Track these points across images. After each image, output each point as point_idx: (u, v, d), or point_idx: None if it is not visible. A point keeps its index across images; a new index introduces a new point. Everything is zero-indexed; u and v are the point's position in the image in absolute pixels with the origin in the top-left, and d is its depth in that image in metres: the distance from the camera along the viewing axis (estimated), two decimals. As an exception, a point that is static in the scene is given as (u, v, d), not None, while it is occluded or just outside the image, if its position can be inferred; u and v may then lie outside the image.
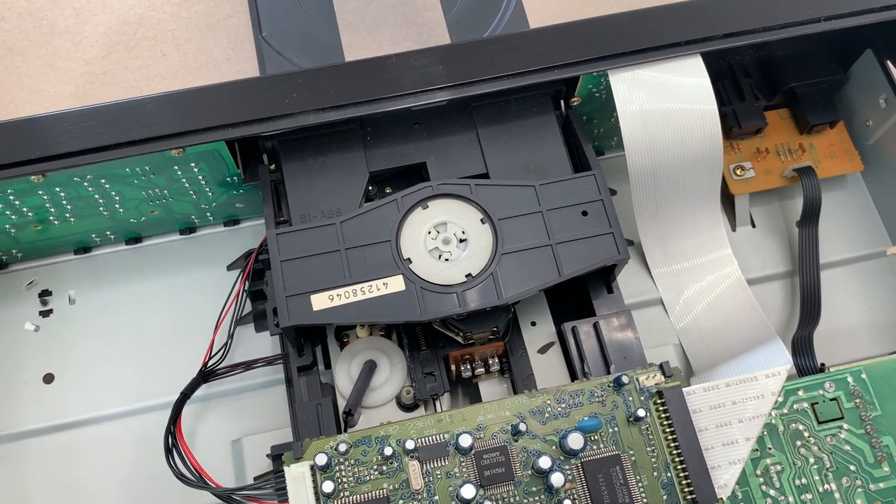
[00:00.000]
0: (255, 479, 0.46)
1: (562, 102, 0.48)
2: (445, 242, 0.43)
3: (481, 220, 0.43)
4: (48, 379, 0.50)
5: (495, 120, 0.47)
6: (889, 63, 0.51)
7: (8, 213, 0.46)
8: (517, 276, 0.42)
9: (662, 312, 0.52)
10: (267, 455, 0.45)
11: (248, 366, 0.47)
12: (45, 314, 0.51)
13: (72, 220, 0.48)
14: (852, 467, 0.42)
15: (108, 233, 0.51)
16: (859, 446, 0.42)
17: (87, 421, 0.49)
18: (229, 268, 0.52)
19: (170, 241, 0.53)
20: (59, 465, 0.48)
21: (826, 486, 0.41)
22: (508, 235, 0.43)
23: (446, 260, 0.43)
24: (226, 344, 0.47)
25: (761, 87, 0.54)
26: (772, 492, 0.41)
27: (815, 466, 0.42)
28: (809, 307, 0.49)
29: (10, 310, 0.51)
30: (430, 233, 0.43)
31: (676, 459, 0.38)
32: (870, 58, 0.52)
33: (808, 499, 0.41)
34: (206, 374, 0.46)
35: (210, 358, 0.47)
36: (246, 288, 0.49)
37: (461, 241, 0.43)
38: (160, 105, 0.43)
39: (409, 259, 0.42)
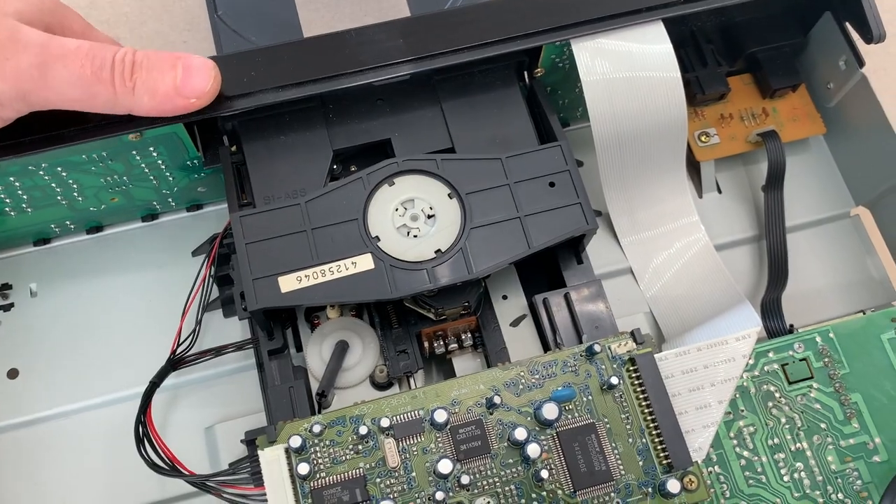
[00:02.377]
0: (230, 465, 0.46)
1: (525, 74, 0.48)
2: (413, 219, 0.43)
3: (448, 194, 0.43)
4: (12, 374, 0.48)
5: (459, 93, 0.46)
6: (848, 25, 0.51)
7: (-40, 205, 0.44)
8: (487, 250, 0.42)
9: (632, 281, 0.52)
10: (241, 441, 0.44)
11: (217, 352, 0.46)
12: (6, 308, 0.50)
13: (29, 210, 0.47)
14: (823, 425, 0.42)
15: (67, 222, 0.49)
16: (829, 404, 0.43)
17: (56, 416, 0.48)
18: (194, 254, 0.51)
19: (132, 229, 0.52)
20: (29, 461, 0.47)
21: (798, 444, 0.42)
22: (477, 209, 0.42)
23: (415, 237, 0.42)
24: (194, 331, 0.46)
25: (723, 52, 0.54)
26: (745, 453, 0.42)
27: (787, 426, 0.42)
28: (777, 270, 0.50)
29: (-31, 305, 0.50)
30: (397, 210, 0.43)
31: (651, 425, 0.39)
32: (829, 20, 0.52)
33: (780, 458, 0.42)
34: (176, 362, 0.45)
35: (178, 345, 0.46)
36: (212, 273, 0.48)
37: (429, 217, 0.43)
38: (114, 88, 0.41)
39: (377, 237, 0.42)
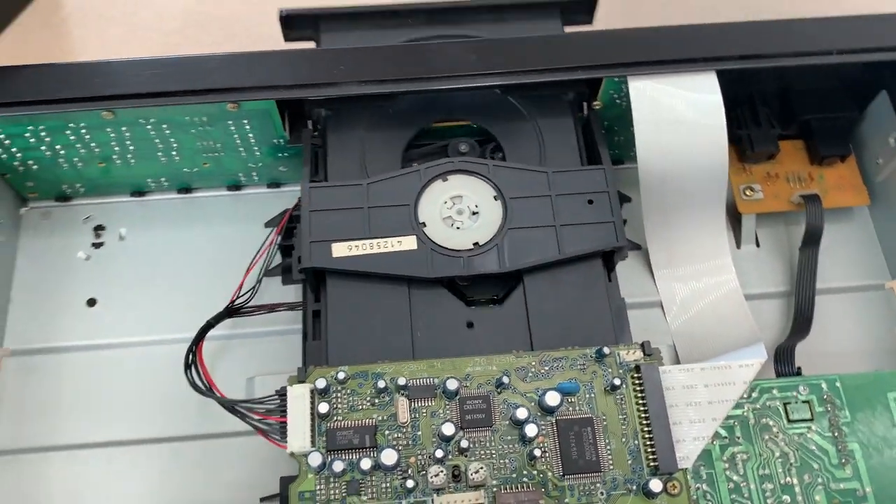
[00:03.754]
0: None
1: (584, 105, 0.52)
2: (459, 213, 0.47)
3: (494, 196, 0.47)
4: (91, 303, 0.55)
5: (521, 116, 0.51)
6: (902, 105, 0.54)
7: (78, 146, 0.51)
8: (520, 250, 0.46)
9: (661, 315, 0.55)
10: (276, 391, 0.49)
11: (270, 308, 0.51)
12: (97, 246, 0.56)
13: (132, 161, 0.53)
14: (815, 465, 0.44)
15: (162, 179, 0.56)
16: (825, 447, 0.45)
17: (122, 344, 0.53)
18: (267, 225, 0.57)
19: (217, 196, 0.58)
20: (88, 379, 0.52)
21: (788, 478, 0.44)
22: (517, 213, 0.47)
23: (457, 228, 0.47)
24: (253, 287, 0.52)
25: (778, 116, 0.57)
26: (735, 477, 0.44)
27: (780, 460, 0.44)
28: (800, 323, 0.52)
29: (66, 238, 0.56)
30: (446, 202, 0.47)
31: (645, 429, 0.41)
32: (884, 99, 0.55)
33: (769, 487, 0.44)
34: (232, 311, 0.51)
35: (238, 297, 0.51)
36: (278, 242, 0.53)
37: (473, 213, 0.47)
38: (222, 63, 0.48)
39: (423, 223, 0.46)
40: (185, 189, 0.58)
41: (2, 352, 0.53)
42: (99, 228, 0.57)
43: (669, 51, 0.49)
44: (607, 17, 0.56)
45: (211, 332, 0.51)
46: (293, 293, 0.55)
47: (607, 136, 0.55)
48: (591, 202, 0.47)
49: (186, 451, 0.50)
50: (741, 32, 0.49)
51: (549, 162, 0.49)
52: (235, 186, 0.58)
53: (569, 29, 0.53)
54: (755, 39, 0.49)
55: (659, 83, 0.49)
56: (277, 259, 0.55)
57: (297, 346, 0.53)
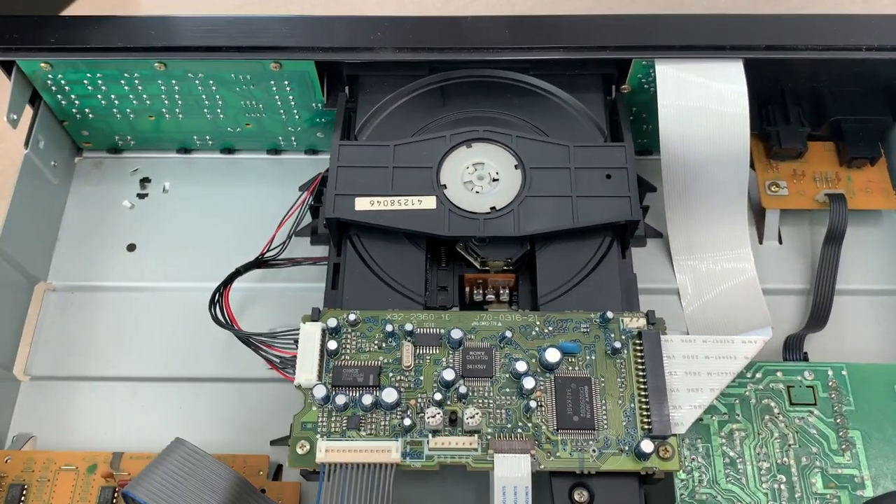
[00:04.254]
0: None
1: (613, 87, 0.54)
2: (479, 178, 0.49)
3: (515, 165, 0.49)
4: (131, 248, 0.58)
5: (550, 92, 0.53)
6: (935, 111, 0.54)
7: (131, 97, 0.55)
8: (536, 216, 0.47)
9: (677, 302, 0.55)
10: (294, 341, 0.51)
11: (296, 262, 0.54)
12: (142, 196, 0.60)
13: (181, 116, 0.57)
14: (814, 449, 0.44)
15: (207, 137, 0.59)
16: (826, 433, 0.45)
17: (155, 288, 0.56)
18: (301, 188, 0.59)
19: (257, 158, 0.61)
20: (122, 318, 0.55)
21: (785, 459, 0.44)
22: (536, 182, 0.48)
23: (477, 192, 0.48)
24: (283, 243, 0.54)
25: (808, 115, 0.57)
26: (731, 452, 0.44)
27: (778, 440, 0.44)
28: (816, 315, 0.52)
29: (113, 188, 0.60)
30: (468, 168, 0.49)
31: (641, 392, 0.42)
32: (918, 105, 0.55)
33: (764, 466, 0.44)
34: (262, 262, 0.53)
35: (268, 250, 0.54)
36: (309, 202, 0.56)
37: (494, 179, 0.49)
38: (268, 24, 0.51)
39: (444, 185, 0.48)
40: (228, 150, 0.61)
41: (44, 286, 0.56)
42: (145, 180, 0.60)
43: (697, 37, 0.50)
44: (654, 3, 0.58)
45: (239, 283, 0.53)
46: (321, 254, 0.57)
47: (637, 125, 0.57)
48: (609, 177, 0.49)
49: (207, 391, 0.53)
50: (770, 23, 0.50)
51: (575, 140, 0.51)
52: (275, 150, 0.61)
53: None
54: (783, 31, 0.50)
55: (685, 69, 0.50)
56: (308, 220, 0.57)
57: (319, 302, 0.55)
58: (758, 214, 0.58)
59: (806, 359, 0.48)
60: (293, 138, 0.59)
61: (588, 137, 0.52)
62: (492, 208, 0.48)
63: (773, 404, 0.45)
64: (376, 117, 0.52)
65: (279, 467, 0.50)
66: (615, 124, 0.53)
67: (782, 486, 0.43)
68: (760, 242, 0.58)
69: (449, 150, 0.49)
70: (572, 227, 0.47)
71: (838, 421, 0.45)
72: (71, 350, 0.54)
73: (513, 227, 0.47)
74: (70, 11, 0.71)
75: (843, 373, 0.46)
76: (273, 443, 0.50)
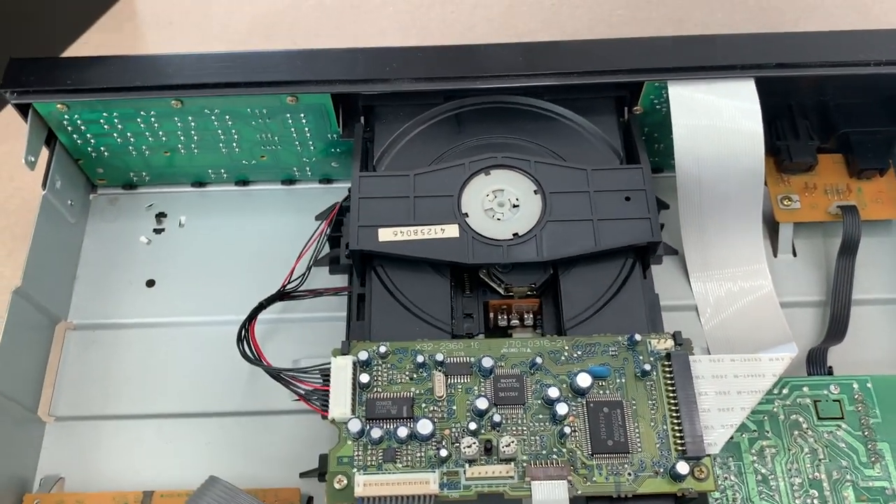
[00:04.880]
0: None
1: (625, 109, 0.54)
2: (500, 205, 0.49)
3: (535, 191, 0.50)
4: (150, 284, 0.58)
5: (565, 116, 0.53)
6: (942, 120, 0.55)
7: (147, 134, 0.55)
8: (558, 241, 0.48)
9: (695, 318, 0.56)
10: (322, 375, 0.51)
11: (318, 293, 0.54)
12: (158, 231, 0.60)
13: (196, 151, 0.57)
14: (844, 462, 0.45)
15: (222, 171, 0.59)
16: (854, 446, 0.45)
17: (176, 323, 0.56)
18: (317, 218, 0.60)
19: (272, 189, 0.61)
20: (144, 355, 0.55)
21: (816, 474, 0.44)
22: (556, 207, 0.49)
23: (498, 219, 0.49)
24: (303, 275, 0.54)
25: (817, 129, 0.58)
26: (763, 469, 0.45)
27: (808, 455, 0.45)
28: (835, 328, 0.53)
29: (130, 223, 0.60)
30: (488, 195, 0.50)
31: (673, 414, 0.43)
32: (924, 115, 0.56)
33: (797, 482, 0.44)
34: (284, 294, 0.53)
35: (289, 282, 0.54)
36: (327, 233, 0.56)
37: (514, 206, 0.49)
38: (284, 59, 0.51)
39: (466, 213, 0.49)
40: (243, 182, 0.61)
41: (65, 325, 0.56)
42: (161, 215, 0.61)
43: (709, 57, 0.51)
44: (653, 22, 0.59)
45: (262, 317, 0.54)
46: (339, 283, 0.57)
47: (648, 144, 0.57)
48: (628, 199, 0.49)
49: (232, 426, 0.53)
50: (779, 41, 0.51)
51: (591, 163, 0.51)
52: (289, 181, 0.61)
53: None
54: (794, 49, 0.51)
55: (698, 89, 0.51)
56: (326, 250, 0.57)
57: (340, 332, 0.56)
58: (771, 228, 0.58)
59: (830, 372, 0.49)
60: (308, 168, 0.60)
61: (604, 160, 0.52)
62: (514, 234, 0.48)
63: (801, 419, 0.46)
64: (394, 147, 0.53)
65: (310, 499, 0.50)
66: (630, 145, 0.53)
67: (815, 501, 0.44)
68: (775, 256, 0.58)
69: (468, 178, 0.50)
70: (595, 251, 0.47)
71: (866, 434, 0.45)
72: (94, 389, 0.54)
73: (536, 252, 0.47)
74: (70, 53, 0.71)
75: (868, 385, 0.47)
76: (302, 475, 0.50)
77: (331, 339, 0.56)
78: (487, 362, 0.43)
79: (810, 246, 0.59)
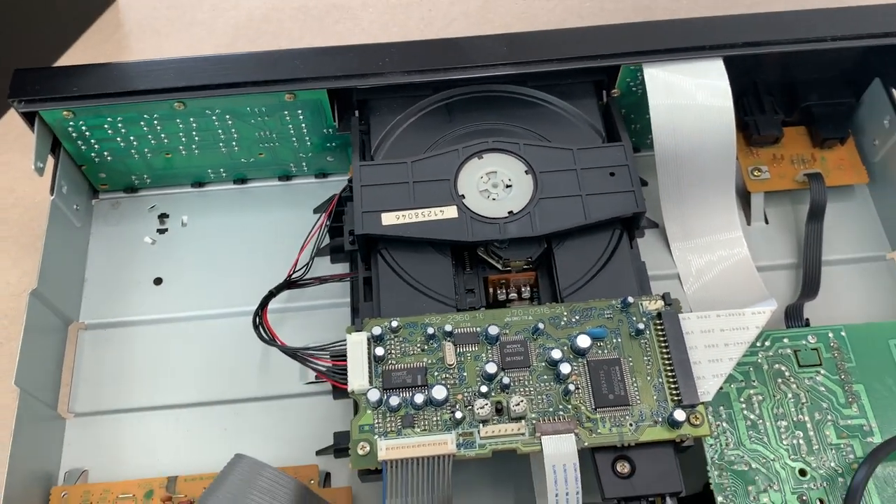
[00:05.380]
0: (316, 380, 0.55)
1: (604, 93, 0.58)
2: (494, 186, 0.52)
3: (525, 171, 0.53)
4: (158, 282, 0.60)
5: (548, 101, 0.57)
6: (894, 91, 0.59)
7: (149, 136, 0.57)
8: (550, 216, 0.51)
9: (678, 285, 0.59)
10: (332, 354, 0.54)
11: (323, 280, 0.57)
12: (162, 231, 0.62)
13: (196, 151, 0.59)
14: (825, 405, 0.48)
15: (221, 170, 0.62)
16: (833, 389, 0.49)
17: (185, 318, 0.58)
18: (315, 210, 0.62)
19: (270, 186, 0.64)
20: (156, 349, 0.57)
21: (800, 416, 0.48)
22: (547, 185, 0.52)
23: (493, 199, 0.52)
24: (307, 264, 0.57)
25: (781, 104, 0.62)
26: (752, 416, 0.48)
27: (792, 400, 0.49)
28: (808, 284, 0.57)
29: (134, 225, 0.62)
30: (482, 177, 0.53)
31: (667, 368, 0.46)
32: (878, 85, 0.60)
33: (782, 424, 0.48)
34: (291, 283, 0.56)
35: (295, 271, 0.57)
36: (327, 224, 0.59)
37: (507, 186, 0.52)
38: (281, 58, 0.54)
39: (463, 195, 0.52)
40: (241, 180, 0.63)
41: (77, 325, 0.58)
42: (163, 216, 0.63)
43: (680, 39, 0.54)
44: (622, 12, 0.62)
45: (269, 306, 0.56)
46: (341, 271, 0.60)
47: (626, 125, 0.61)
48: (612, 174, 0.53)
49: (247, 411, 0.55)
50: (745, 22, 0.55)
51: (575, 143, 0.55)
52: (286, 177, 0.64)
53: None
54: (758, 28, 0.55)
55: (671, 69, 0.55)
56: (327, 240, 0.60)
57: (345, 318, 0.58)
58: (743, 199, 0.62)
59: (807, 324, 0.52)
60: (304, 164, 0.62)
61: (587, 140, 0.55)
62: (509, 212, 0.51)
63: (783, 368, 0.49)
64: (389, 137, 0.56)
65: (327, 475, 0.52)
66: (610, 125, 0.57)
67: (801, 441, 0.47)
68: (749, 224, 0.62)
69: (463, 162, 0.53)
70: (585, 224, 0.51)
71: (843, 377, 0.49)
72: (110, 384, 0.56)
73: (531, 227, 0.50)
74: (62, 62, 0.72)
75: (843, 333, 0.50)
76: (318, 452, 0.53)
77: (336, 324, 0.58)
78: (493, 330, 0.46)
79: (781, 213, 0.63)
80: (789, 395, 0.49)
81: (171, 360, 0.57)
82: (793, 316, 0.54)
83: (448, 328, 0.46)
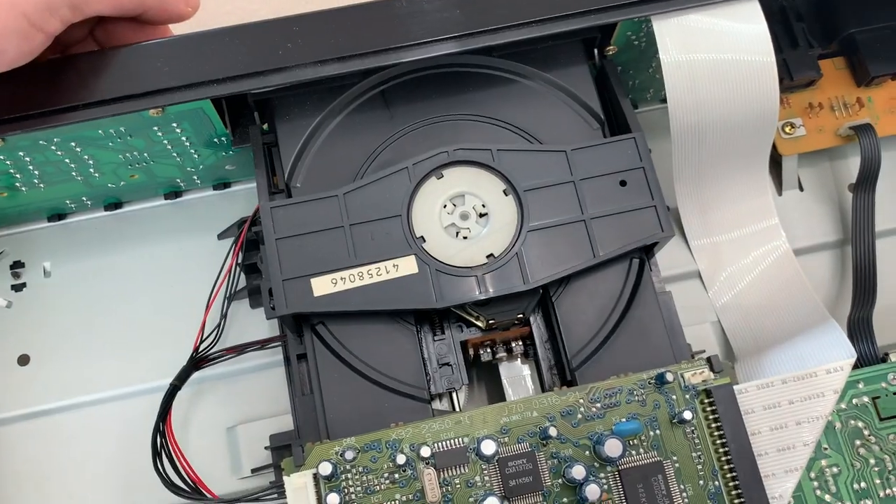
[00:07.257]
0: (253, 471, 0.42)
1: (595, 52, 0.42)
2: (463, 217, 0.38)
3: (504, 191, 0.38)
4: (23, 360, 0.45)
5: (522, 73, 0.41)
6: (963, 6, 0.45)
7: (-34, 178, 0.40)
8: (545, 257, 0.37)
9: (699, 287, 0.47)
10: (265, 447, 0.41)
11: (241, 350, 0.42)
12: (18, 288, 0.46)
13: (41, 186, 0.43)
14: (919, 470, 0.38)
15: (84, 199, 0.46)
16: (927, 446, 0.38)
17: (67, 407, 0.45)
18: (220, 237, 0.47)
19: (154, 207, 0.48)
20: (36, 455, 0.44)
21: (888, 490, 0.37)
22: (535, 209, 0.38)
23: (464, 238, 0.38)
24: (219, 325, 0.43)
25: (816, 32, 0.48)
26: (827, 497, 0.37)
27: (877, 469, 0.38)
28: (864, 283, 0.45)
29: (-23, 284, 0.46)
30: (445, 206, 0.38)
31: (725, 466, 0.34)
32: (941, 1, 0.46)
33: (867, 505, 0.37)
34: (198, 361, 0.41)
35: (202, 341, 0.42)
36: (239, 261, 0.44)
37: (481, 215, 0.38)
38: (136, 60, 0.37)
39: (422, 237, 0.37)
40: (114, 204, 0.47)
41: (-78, 436, 0.43)
42: (17, 266, 0.47)
43: (697, -25, 0.39)
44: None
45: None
46: (261, 317, 0.46)
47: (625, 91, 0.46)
48: (623, 183, 0.38)
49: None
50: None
51: (564, 132, 0.40)
52: (175, 194, 0.48)
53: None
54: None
55: (689, 19, 0.39)
56: (241, 281, 0.45)
57: (278, 381, 0.45)
58: (772, 162, 0.49)
59: (885, 359, 0.40)
60: (195, 177, 0.46)
61: (579, 127, 0.41)
62: (489, 256, 0.37)
63: (861, 425, 0.38)
64: (308, 149, 0.40)
65: None
66: (608, 99, 0.42)
67: (892, 525, 0.37)
68: (780, 194, 0.49)
69: (416, 186, 0.38)
70: (593, 263, 0.37)
71: (938, 428, 0.38)
72: (-20, 511, 0.43)
73: (520, 277, 0.37)
74: None
75: (934, 366, 0.39)
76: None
77: (271, 392, 0.45)
78: (489, 447, 0.33)
79: (817, 175, 0.50)
80: (872, 462, 0.38)
81: (55, 467, 0.44)
82: (859, 334, 0.42)
83: (425, 452, 0.33)
